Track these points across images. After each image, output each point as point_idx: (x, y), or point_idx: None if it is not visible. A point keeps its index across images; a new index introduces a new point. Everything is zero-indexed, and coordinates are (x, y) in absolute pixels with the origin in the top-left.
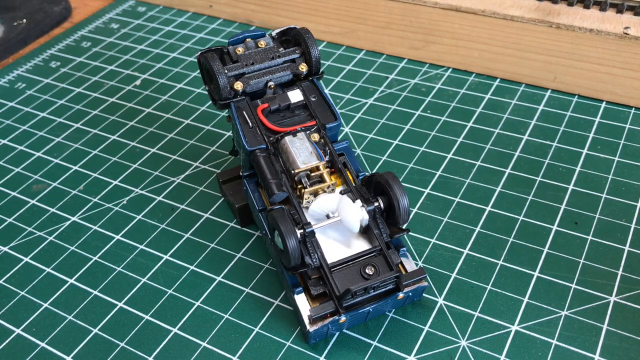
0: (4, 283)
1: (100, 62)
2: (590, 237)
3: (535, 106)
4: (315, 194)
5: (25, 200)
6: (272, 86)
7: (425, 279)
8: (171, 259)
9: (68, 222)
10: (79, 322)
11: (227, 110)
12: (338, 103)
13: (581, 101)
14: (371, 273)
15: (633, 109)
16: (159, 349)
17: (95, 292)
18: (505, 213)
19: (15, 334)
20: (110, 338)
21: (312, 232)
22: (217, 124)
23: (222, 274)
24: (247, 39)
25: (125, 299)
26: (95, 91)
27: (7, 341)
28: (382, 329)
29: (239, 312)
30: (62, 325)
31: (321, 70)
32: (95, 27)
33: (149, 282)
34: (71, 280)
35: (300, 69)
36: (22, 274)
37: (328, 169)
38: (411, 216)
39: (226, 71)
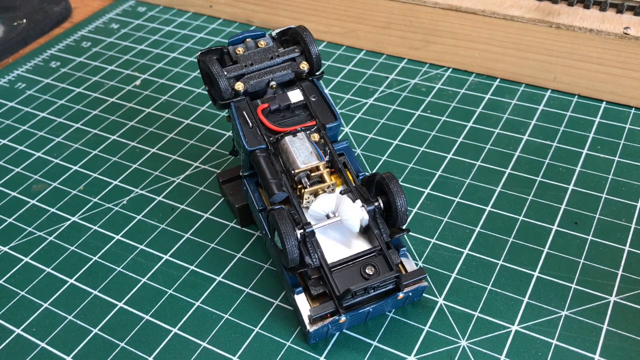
0: (4, 283)
1: (100, 62)
2: (590, 237)
3: (535, 106)
4: (315, 194)
5: (25, 200)
6: (274, 86)
7: (425, 279)
8: (171, 259)
9: (68, 222)
10: (79, 322)
11: (227, 110)
12: (338, 103)
13: (581, 101)
14: (371, 273)
15: (633, 109)
16: (159, 349)
17: (95, 292)
18: (505, 213)
19: (15, 334)
20: (110, 338)
21: (312, 232)
22: (217, 124)
23: (222, 274)
24: (247, 39)
25: (125, 299)
26: (95, 91)
27: (7, 341)
28: (382, 329)
29: (239, 312)
30: (62, 325)
31: (321, 70)
32: (95, 27)
33: (149, 282)
34: (71, 280)
35: (301, 67)
36: (22, 274)
37: (328, 169)
38: (411, 216)
39: (226, 73)
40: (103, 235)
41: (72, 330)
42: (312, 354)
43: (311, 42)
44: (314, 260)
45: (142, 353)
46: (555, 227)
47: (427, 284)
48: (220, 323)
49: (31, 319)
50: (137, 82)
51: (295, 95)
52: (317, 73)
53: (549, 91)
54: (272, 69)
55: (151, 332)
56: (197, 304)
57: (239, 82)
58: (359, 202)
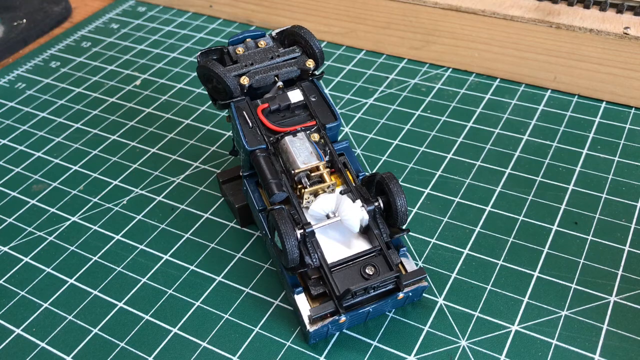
0: (4, 283)
1: (100, 62)
2: (590, 237)
3: (535, 106)
4: (315, 194)
5: (25, 200)
6: (281, 85)
7: (425, 279)
8: (171, 259)
9: (68, 222)
10: (79, 322)
11: (227, 110)
12: (338, 103)
13: (581, 101)
14: (371, 273)
15: (633, 109)
16: (159, 349)
17: (95, 292)
18: (505, 213)
19: (15, 334)
20: (110, 338)
21: (312, 232)
22: (217, 124)
23: (222, 274)
24: (247, 39)
25: (125, 299)
26: (95, 91)
27: (7, 341)
28: (382, 329)
29: (239, 312)
30: (62, 325)
31: (321, 70)
32: (95, 27)
33: (149, 282)
34: (71, 280)
35: (307, 65)
36: (22, 274)
37: (328, 169)
38: (411, 216)
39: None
40: (103, 235)
41: (72, 330)
42: (312, 354)
43: (311, 37)
44: (314, 260)
45: (142, 353)
46: (555, 227)
47: (427, 284)
48: (220, 323)
49: (31, 319)
50: (137, 82)
51: (295, 95)
52: (317, 73)
53: (549, 91)
54: (278, 64)
55: (151, 332)
56: (197, 304)
57: (243, 77)
58: (359, 202)
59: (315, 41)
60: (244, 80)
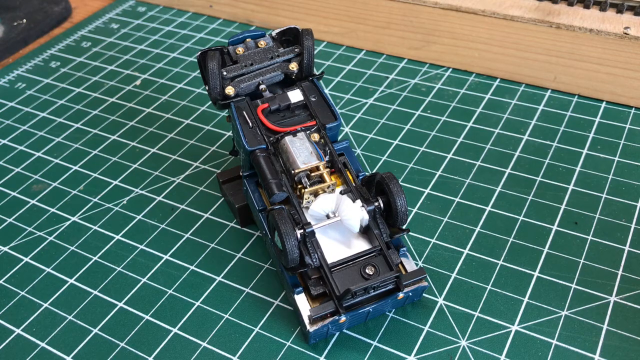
0: (4, 283)
1: (100, 62)
2: (590, 237)
3: (535, 106)
4: (315, 194)
5: (25, 200)
6: (264, 89)
7: (425, 279)
8: (171, 259)
9: (68, 222)
10: (79, 322)
11: (227, 110)
12: (338, 103)
13: (581, 101)
14: (371, 273)
15: (633, 109)
16: (159, 349)
17: (95, 292)
18: (505, 213)
19: (15, 334)
20: (110, 338)
21: (312, 232)
22: (217, 124)
23: (222, 274)
24: (247, 39)
25: (125, 299)
26: (95, 91)
27: (7, 341)
28: (382, 329)
29: (239, 312)
30: (62, 325)
31: (321, 70)
32: (95, 27)
33: (149, 282)
34: (71, 280)
35: (290, 68)
36: (22, 274)
37: (328, 169)
38: (411, 216)
39: (224, 72)
40: (103, 235)
41: (72, 330)
42: (312, 354)
43: (308, 48)
44: (314, 260)
45: (142, 353)
46: (555, 227)
47: (427, 284)
48: (220, 323)
49: (31, 319)
50: (137, 82)
51: (295, 95)
52: (317, 73)
53: (549, 91)
54: (261, 71)
55: (151, 332)
56: (197, 304)
57: (229, 87)
58: (359, 202)
59: (310, 53)
60: (229, 91)
